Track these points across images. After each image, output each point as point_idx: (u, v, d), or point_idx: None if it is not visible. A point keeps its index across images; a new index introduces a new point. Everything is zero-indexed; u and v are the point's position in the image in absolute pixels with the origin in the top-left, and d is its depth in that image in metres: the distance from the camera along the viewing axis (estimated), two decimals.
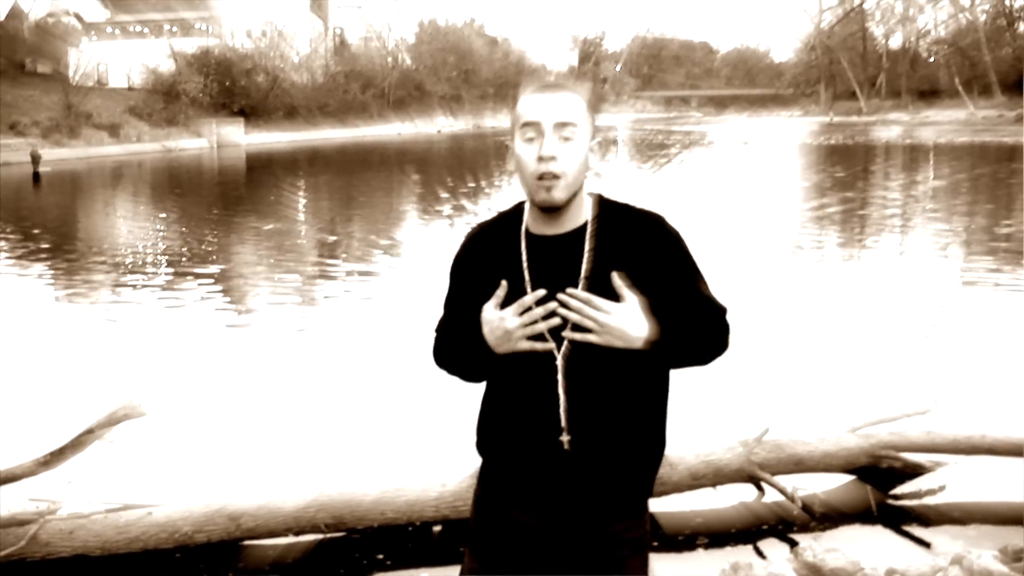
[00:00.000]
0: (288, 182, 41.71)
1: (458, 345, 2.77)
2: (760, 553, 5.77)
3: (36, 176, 46.15)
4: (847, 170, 41.55)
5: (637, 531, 2.83)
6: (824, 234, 21.88)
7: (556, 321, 2.54)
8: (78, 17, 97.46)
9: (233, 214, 28.89)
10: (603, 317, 2.49)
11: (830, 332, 11.36)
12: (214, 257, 19.69)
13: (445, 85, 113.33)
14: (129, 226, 26.95)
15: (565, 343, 2.61)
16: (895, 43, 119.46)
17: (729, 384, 8.94)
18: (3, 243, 22.47)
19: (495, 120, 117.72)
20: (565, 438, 2.65)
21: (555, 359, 2.63)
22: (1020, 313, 12.62)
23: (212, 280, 16.20)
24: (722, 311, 2.75)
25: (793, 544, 5.70)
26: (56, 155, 56.65)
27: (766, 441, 6.32)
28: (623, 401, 2.70)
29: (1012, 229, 20.92)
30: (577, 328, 2.53)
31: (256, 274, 17.17)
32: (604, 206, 2.72)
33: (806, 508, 6.14)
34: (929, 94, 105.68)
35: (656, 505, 6.11)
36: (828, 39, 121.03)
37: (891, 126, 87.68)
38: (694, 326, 2.68)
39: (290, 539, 5.79)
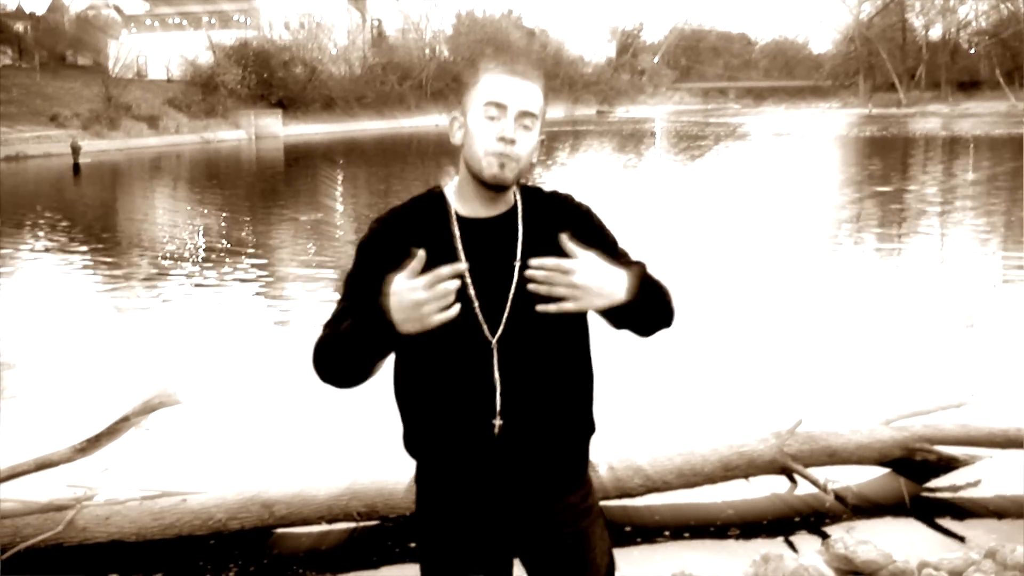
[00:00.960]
0: (326, 174, 41.81)
1: (352, 334, 2.51)
2: (792, 545, 5.75)
3: (76, 167, 46.49)
4: (884, 162, 41.29)
5: (589, 499, 2.86)
6: (862, 227, 21.76)
7: (453, 286, 2.31)
8: (118, 9, 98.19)
9: (272, 206, 29.00)
10: (577, 278, 2.36)
11: (865, 325, 11.30)
12: (253, 248, 19.79)
13: None
14: (168, 217, 27.13)
15: (501, 328, 2.60)
16: (935, 34, 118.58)
17: (763, 376, 8.96)
18: (45, 233, 22.68)
19: None
20: (497, 422, 2.62)
21: (490, 343, 2.60)
22: None
23: (251, 270, 16.30)
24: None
25: (825, 536, 5.69)
26: (96, 146, 57.02)
27: (799, 433, 6.31)
28: (557, 381, 2.70)
29: None
30: (550, 301, 2.41)
31: (294, 265, 17.26)
32: (526, 191, 2.74)
33: (839, 500, 6.12)
34: (969, 85, 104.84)
35: (688, 496, 6.14)
36: (867, 30, 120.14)
37: (930, 118, 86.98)
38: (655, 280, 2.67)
39: (323, 527, 5.83)
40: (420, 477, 2.83)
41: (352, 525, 5.83)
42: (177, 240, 21.23)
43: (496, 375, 2.61)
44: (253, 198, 31.91)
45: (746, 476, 6.25)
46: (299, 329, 11.77)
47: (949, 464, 6.52)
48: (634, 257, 2.73)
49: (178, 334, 11.49)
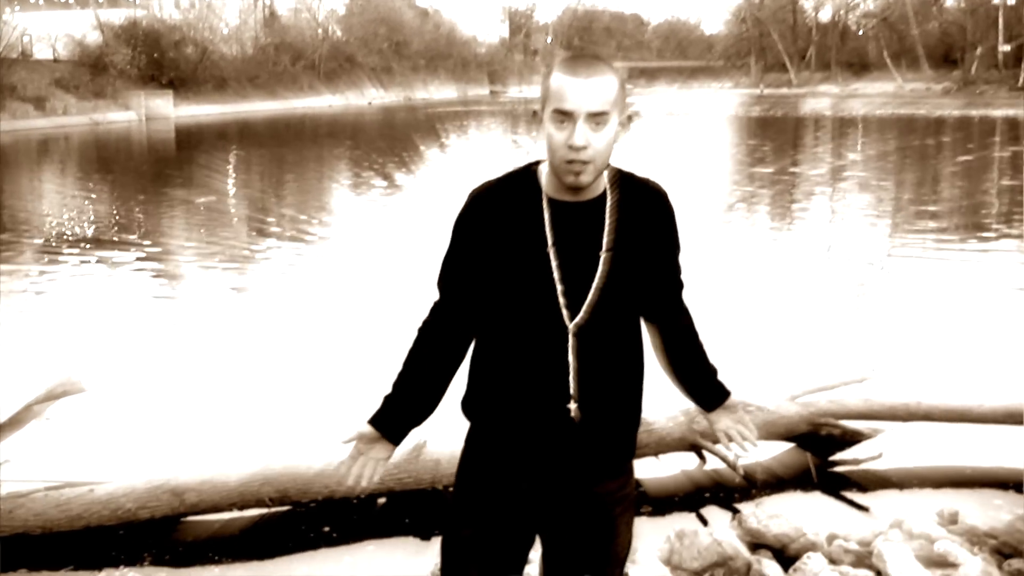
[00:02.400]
0: (218, 156, 41.26)
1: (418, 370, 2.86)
2: (703, 520, 5.83)
3: None
4: (775, 141, 41.91)
5: (627, 488, 2.92)
6: (753, 204, 22.07)
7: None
8: None
9: (163, 188, 28.50)
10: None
11: (763, 303, 11.47)
12: (144, 231, 19.44)
13: (376, 57, 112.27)
14: (57, 200, 26.53)
15: (580, 315, 2.66)
16: (825, 16, 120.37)
17: None
18: None
19: (426, 92, 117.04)
20: (573, 406, 2.69)
21: (567, 331, 2.66)
22: (948, 281, 12.82)
23: (143, 253, 16.03)
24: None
25: (735, 511, 5.78)
26: None
27: None
28: (623, 371, 2.80)
29: (939, 201, 21.27)
30: (632, 289, 2.73)
31: (188, 247, 17.01)
32: (618, 176, 2.76)
33: (748, 476, 6.23)
34: (858, 67, 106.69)
35: None
36: (759, 11, 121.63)
37: (820, 98, 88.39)
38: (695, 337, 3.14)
39: (235, 513, 5.76)
40: (471, 441, 2.91)
41: (264, 511, 5.78)
42: (67, 224, 20.78)
43: (571, 359, 2.68)
44: (143, 181, 31.31)
45: (656, 454, 6.32)
46: (193, 309, 11.64)
47: (853, 438, 6.64)
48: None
49: (72, 319, 11.25)
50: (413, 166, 31.15)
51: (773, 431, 6.53)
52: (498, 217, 2.70)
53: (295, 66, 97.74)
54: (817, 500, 6.18)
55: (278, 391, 8.33)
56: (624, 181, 2.76)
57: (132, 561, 5.41)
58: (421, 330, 2.86)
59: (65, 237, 18.52)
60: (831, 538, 5.23)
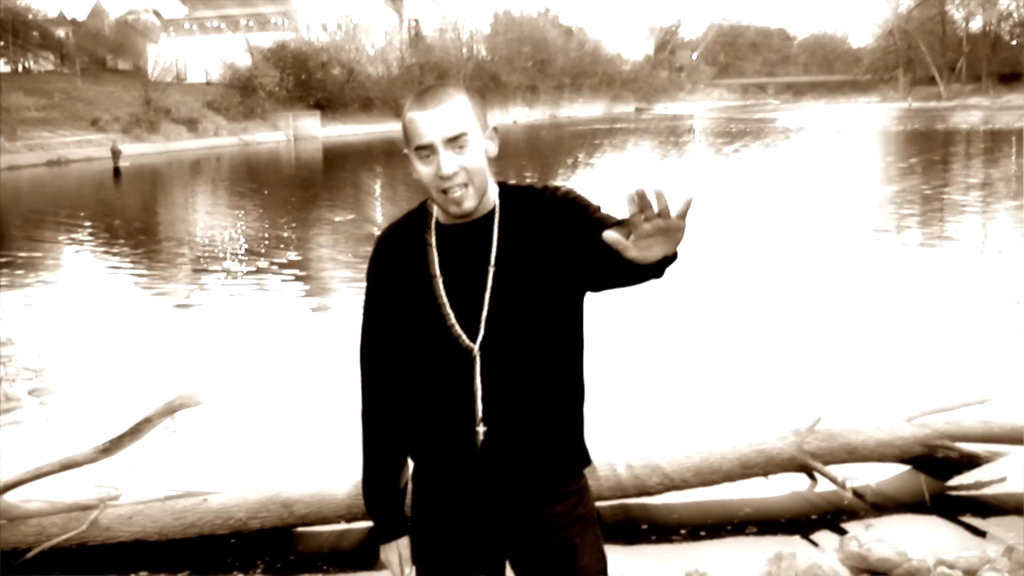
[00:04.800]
0: (365, 174, 41.98)
1: (364, 483, 2.89)
2: (813, 543, 5.74)
3: (116, 171, 46.89)
4: (925, 156, 40.98)
5: (581, 508, 2.81)
6: (902, 221, 21.61)
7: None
8: (157, 14, 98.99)
9: (311, 205, 29.13)
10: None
11: (900, 320, 11.24)
12: (292, 248, 19.90)
13: (520, 76, 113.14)
14: (208, 219, 27.32)
15: (480, 334, 2.61)
16: (975, 26, 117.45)
17: (783, 373, 8.95)
18: (85, 235, 22.93)
19: (571, 110, 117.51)
20: (480, 429, 2.64)
21: (471, 350, 2.62)
22: None
23: (287, 271, 16.41)
24: None
25: (844, 534, 5.68)
26: (136, 150, 57.64)
27: (819, 430, 6.30)
28: (539, 389, 2.68)
29: None
30: (525, 301, 2.59)
31: (330, 265, 17.35)
32: (506, 191, 2.71)
33: (858, 497, 6.12)
34: (1011, 78, 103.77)
35: (705, 494, 6.15)
36: (906, 23, 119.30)
37: (971, 111, 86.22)
38: None
39: (343, 526, 5.88)
40: (415, 480, 2.85)
41: (371, 524, 5.86)
42: (216, 242, 21.38)
43: (478, 382, 2.63)
44: (291, 199, 32.05)
45: (765, 474, 6.25)
46: (334, 328, 11.86)
47: (971, 461, 6.48)
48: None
49: (212, 334, 11.60)
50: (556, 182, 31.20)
51: (887, 452, 6.40)
52: (395, 254, 2.73)
53: None
54: (931, 524, 6.03)
55: None
56: (511, 193, 2.71)
57: (245, 569, 5.58)
58: (365, 424, 2.84)
59: (216, 253, 19.08)
60: (938, 563, 5.11)
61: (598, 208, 2.65)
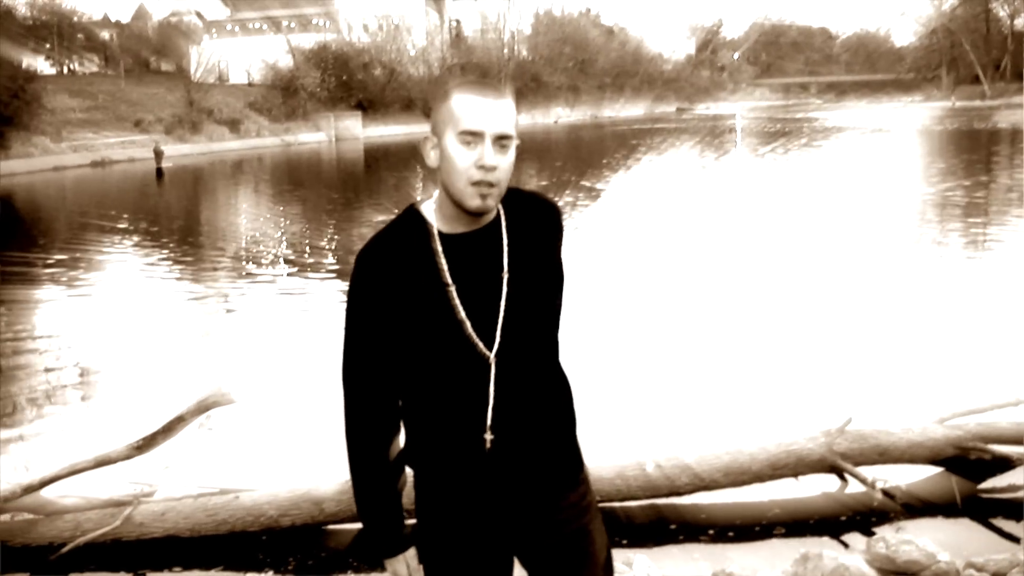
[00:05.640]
0: (406, 174, 42.12)
1: (357, 503, 2.83)
2: (842, 544, 5.74)
3: (159, 172, 47.27)
4: (971, 157, 40.65)
5: (588, 496, 2.84)
6: (942, 224, 21.46)
7: None
8: (200, 15, 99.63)
9: (351, 206, 29.28)
10: None
11: (926, 322, 11.19)
12: (331, 247, 20.03)
13: (562, 76, 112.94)
14: (249, 219, 27.50)
15: (496, 342, 2.62)
16: (1020, 24, 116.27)
17: (815, 373, 8.92)
18: (128, 236, 23.15)
19: (613, 111, 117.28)
20: (488, 436, 2.64)
21: (487, 358, 2.60)
22: None
23: (327, 271, 16.51)
24: None
25: (873, 535, 5.66)
26: (179, 151, 58.13)
27: (849, 431, 6.29)
28: (542, 392, 2.72)
29: None
30: (539, 308, 2.68)
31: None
32: (506, 197, 2.67)
33: (888, 498, 6.11)
34: None
35: (735, 494, 6.16)
36: (949, 21, 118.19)
37: (1016, 110, 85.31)
38: None
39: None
40: (418, 488, 2.83)
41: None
42: (257, 243, 21.54)
43: (491, 389, 2.62)
44: (333, 199, 32.24)
45: (795, 475, 6.24)
46: None
47: (1004, 463, 6.44)
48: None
49: (251, 333, 11.71)
50: (599, 184, 31.24)
51: (918, 454, 6.38)
52: (390, 270, 2.60)
53: None
54: (963, 527, 5.99)
55: None
56: (511, 198, 2.70)
57: (277, 566, 5.65)
58: (354, 442, 2.77)
59: (257, 254, 19.24)
60: (967, 565, 5.09)
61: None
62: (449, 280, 2.58)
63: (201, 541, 5.75)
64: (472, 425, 2.64)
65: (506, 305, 2.60)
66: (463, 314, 2.58)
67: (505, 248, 2.63)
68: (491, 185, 2.50)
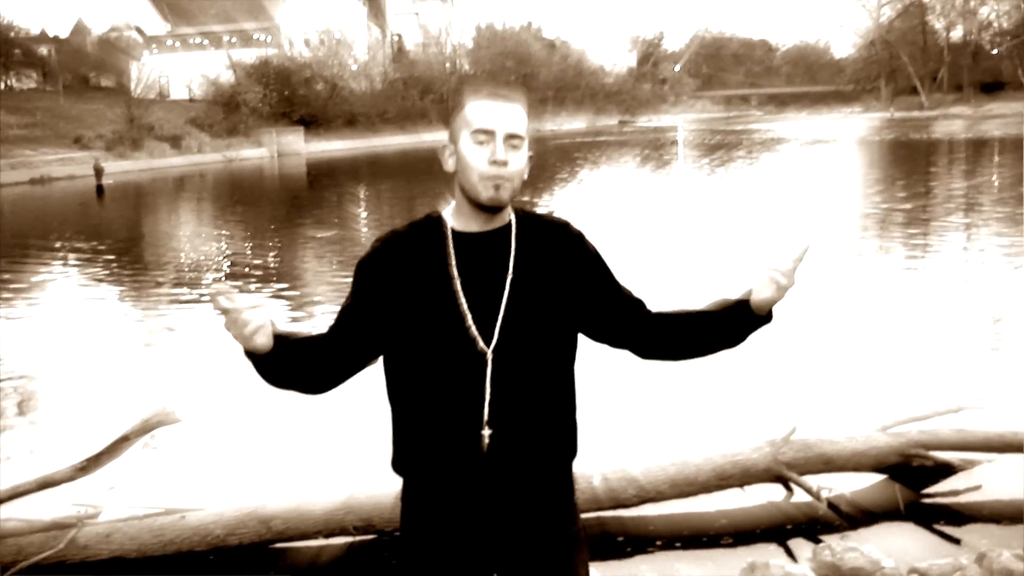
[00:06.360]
0: (349, 191, 42.02)
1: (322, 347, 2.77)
2: (789, 553, 5.78)
3: (100, 189, 46.75)
4: (908, 167, 41.16)
5: (576, 525, 2.90)
6: (883, 233, 21.70)
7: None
8: (139, 31, 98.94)
9: (294, 223, 29.16)
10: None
11: (867, 332, 11.31)
12: (273, 265, 19.92)
13: None
14: (191, 237, 27.29)
15: (494, 339, 2.67)
16: (956, 36, 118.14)
17: (759, 384, 8.98)
18: (68, 254, 22.91)
19: (555, 123, 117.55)
20: (486, 432, 2.68)
21: (484, 354, 2.67)
22: None
23: (270, 288, 16.40)
24: None
25: (820, 543, 5.71)
26: (119, 167, 57.62)
27: (794, 440, 6.35)
28: (543, 397, 2.76)
29: None
30: (541, 312, 2.72)
31: (313, 281, 17.36)
32: (519, 212, 2.82)
33: (832, 507, 6.16)
34: (992, 87, 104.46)
35: (681, 506, 6.18)
36: (888, 34, 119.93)
37: (953, 120, 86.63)
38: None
39: (321, 541, 5.90)
40: (406, 495, 2.85)
41: (350, 539, 5.90)
42: (199, 260, 21.38)
43: (487, 385, 2.68)
44: (276, 217, 32.10)
45: (741, 485, 6.29)
46: None
47: (946, 469, 6.53)
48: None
49: (194, 352, 11.61)
50: (536, 198, 31.32)
51: (863, 462, 6.45)
52: (404, 258, 2.74)
53: (424, 100, 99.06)
54: (907, 532, 6.06)
55: (367, 421, 8.47)
56: (526, 215, 2.82)
57: None
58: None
59: (199, 271, 19.09)
60: (911, 571, 5.15)
61: (612, 272, 2.88)
62: (455, 272, 2.69)
63: (147, 562, 5.67)
64: (468, 420, 2.69)
65: (507, 305, 2.69)
66: (465, 306, 2.68)
67: (512, 251, 2.73)
68: (504, 178, 2.63)
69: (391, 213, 31.95)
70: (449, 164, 2.75)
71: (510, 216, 2.78)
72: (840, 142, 64.83)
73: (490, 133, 2.63)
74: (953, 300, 13.14)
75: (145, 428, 5.84)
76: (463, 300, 2.67)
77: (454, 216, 2.77)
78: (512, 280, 2.70)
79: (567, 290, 2.77)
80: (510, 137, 2.64)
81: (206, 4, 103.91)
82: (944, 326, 11.44)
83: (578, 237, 2.84)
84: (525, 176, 2.73)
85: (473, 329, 2.67)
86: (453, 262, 2.70)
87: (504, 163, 2.62)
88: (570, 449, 2.86)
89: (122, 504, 6.18)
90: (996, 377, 9.25)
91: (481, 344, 2.67)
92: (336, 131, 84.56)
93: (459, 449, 2.69)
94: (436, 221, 2.79)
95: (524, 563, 2.81)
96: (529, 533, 2.79)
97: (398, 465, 2.83)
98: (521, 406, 2.71)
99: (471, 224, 2.73)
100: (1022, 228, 20.78)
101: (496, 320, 2.67)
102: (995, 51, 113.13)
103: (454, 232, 2.74)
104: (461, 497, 2.73)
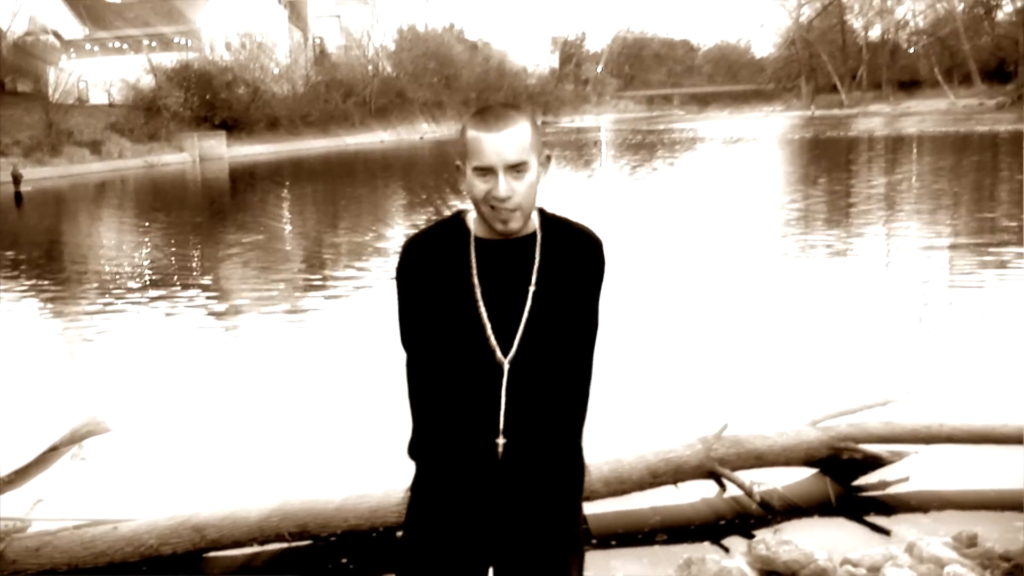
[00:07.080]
0: (272, 195, 41.73)
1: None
2: (723, 548, 5.82)
3: (18, 196, 45.91)
4: (828, 163, 41.67)
5: (576, 527, 2.94)
6: (806, 229, 21.97)
7: None
8: (56, 35, 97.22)
9: (217, 228, 28.90)
10: None
11: (795, 329, 11.44)
12: (198, 271, 19.73)
13: (427, 92, 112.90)
14: (113, 244, 26.93)
15: (513, 349, 2.69)
16: (874, 35, 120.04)
17: (688, 381, 9.05)
18: None
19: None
20: (501, 442, 2.72)
21: (502, 363, 2.70)
22: (977, 303, 12.69)
23: (194, 294, 16.23)
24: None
25: (753, 538, 5.76)
26: (38, 174, 56.54)
27: (725, 437, 6.40)
28: (558, 408, 2.78)
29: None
30: (561, 321, 2.73)
31: (239, 287, 17.20)
32: (547, 219, 2.81)
33: (764, 503, 6.23)
34: (910, 85, 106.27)
35: (616, 504, 6.21)
36: (807, 33, 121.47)
37: (872, 118, 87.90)
38: None
39: (255, 548, 5.84)
40: (417, 485, 2.90)
41: (284, 545, 5.86)
42: (122, 268, 21.11)
43: (503, 394, 2.70)
44: (198, 222, 31.78)
45: (674, 482, 6.33)
46: (242, 350, 11.77)
47: (875, 462, 6.62)
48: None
49: (120, 360, 11.45)
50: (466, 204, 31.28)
51: (793, 456, 6.53)
52: (429, 262, 2.76)
53: (346, 103, 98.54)
54: (838, 525, 6.15)
55: (299, 426, 8.43)
56: (554, 222, 2.81)
57: None
58: (415, 401, 2.86)
59: (122, 279, 18.84)
60: (843, 563, 5.22)
61: (599, 291, 2.86)
62: (476, 280, 2.71)
63: (79, 575, 5.60)
64: (484, 427, 2.72)
65: (528, 317, 2.71)
66: (485, 316, 2.70)
67: (536, 262, 2.74)
68: (513, 210, 2.64)
69: (317, 218, 31.79)
70: (461, 185, 2.74)
71: (534, 225, 2.78)
72: (761, 140, 65.54)
73: (488, 170, 2.62)
74: (876, 295, 13.33)
75: (74, 438, 5.77)
76: (483, 310, 2.69)
77: (476, 223, 2.78)
78: (534, 293, 2.71)
79: (584, 300, 2.79)
80: (511, 167, 2.62)
81: (124, 8, 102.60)
82: (868, 321, 11.60)
83: (598, 246, 2.83)
84: (543, 180, 2.74)
85: (492, 340, 2.70)
86: (475, 271, 2.72)
87: (507, 198, 2.62)
88: (579, 464, 2.90)
89: (52, 516, 6.08)
90: (921, 369, 9.41)
91: (499, 355, 2.69)
92: (258, 135, 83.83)
93: (474, 455, 2.74)
94: (460, 223, 2.81)
95: (520, 559, 2.84)
96: (529, 533, 2.82)
97: (414, 453, 2.88)
98: (537, 416, 2.74)
99: (493, 232, 2.73)
100: (942, 222, 21.17)
101: (516, 331, 2.70)
102: (911, 50, 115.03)
103: (477, 240, 2.76)
104: (472, 499, 2.79)
